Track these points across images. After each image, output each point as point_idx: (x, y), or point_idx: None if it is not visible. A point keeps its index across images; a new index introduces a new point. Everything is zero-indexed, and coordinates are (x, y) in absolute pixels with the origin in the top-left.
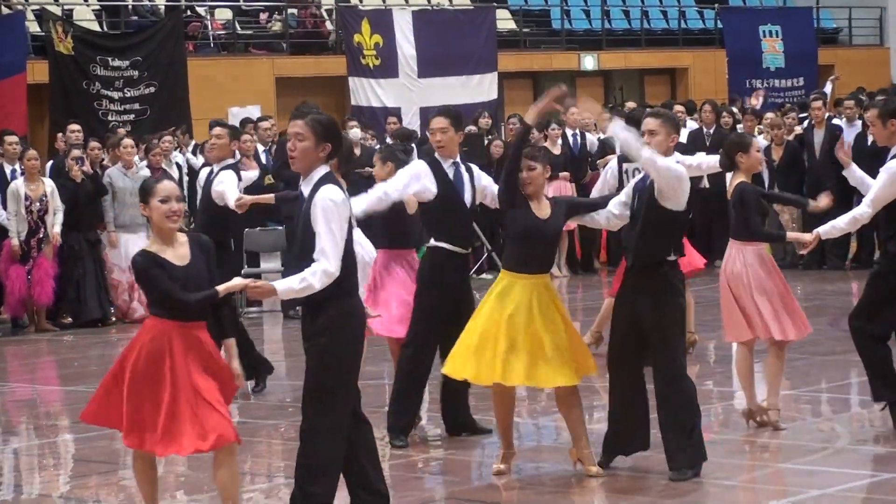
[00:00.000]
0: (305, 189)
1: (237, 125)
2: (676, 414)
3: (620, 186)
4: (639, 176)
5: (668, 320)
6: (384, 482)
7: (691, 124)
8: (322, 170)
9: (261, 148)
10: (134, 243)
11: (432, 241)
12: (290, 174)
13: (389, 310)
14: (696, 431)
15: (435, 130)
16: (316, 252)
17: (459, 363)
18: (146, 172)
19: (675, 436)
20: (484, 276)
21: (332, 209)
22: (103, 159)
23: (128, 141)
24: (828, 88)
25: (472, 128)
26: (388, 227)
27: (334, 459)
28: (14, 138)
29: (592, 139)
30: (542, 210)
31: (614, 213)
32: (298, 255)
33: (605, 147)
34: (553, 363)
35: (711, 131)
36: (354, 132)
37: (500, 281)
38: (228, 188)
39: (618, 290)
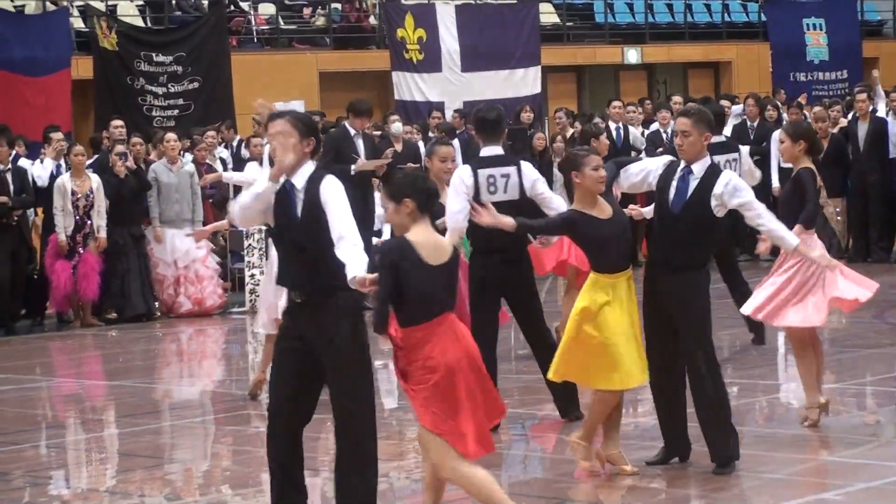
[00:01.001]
0: (298, 182)
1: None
2: (715, 408)
3: None
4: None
5: (700, 319)
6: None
7: (736, 110)
8: (311, 165)
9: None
10: (179, 238)
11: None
12: (337, 170)
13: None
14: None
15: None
16: (343, 234)
17: (634, 372)
18: (191, 168)
19: (714, 431)
20: None
21: (343, 193)
22: (148, 154)
23: (171, 136)
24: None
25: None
26: None
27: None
28: (59, 135)
29: (636, 133)
30: (605, 210)
31: (633, 173)
32: (302, 245)
33: (653, 142)
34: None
35: (755, 124)
36: (396, 126)
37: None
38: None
39: (646, 291)
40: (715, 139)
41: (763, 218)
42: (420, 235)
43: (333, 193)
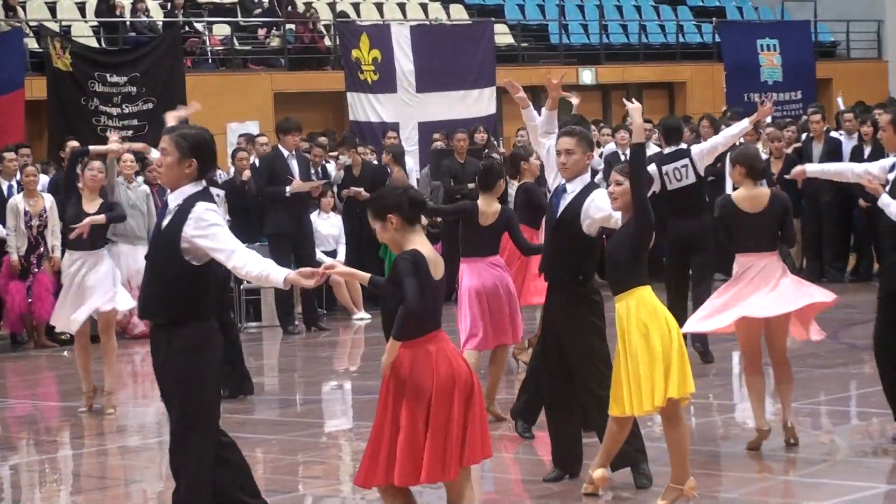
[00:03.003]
0: (172, 202)
1: (235, 141)
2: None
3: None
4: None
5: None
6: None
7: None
8: (193, 186)
9: (258, 163)
10: (132, 256)
11: None
12: (272, 192)
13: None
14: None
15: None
16: (235, 246)
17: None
18: (146, 188)
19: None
20: None
21: (216, 214)
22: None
23: (128, 156)
24: (840, 104)
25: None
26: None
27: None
28: (12, 154)
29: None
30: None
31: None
32: (154, 264)
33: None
34: None
35: None
36: (343, 158)
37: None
38: None
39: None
40: (667, 150)
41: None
42: (426, 248)
43: (208, 215)
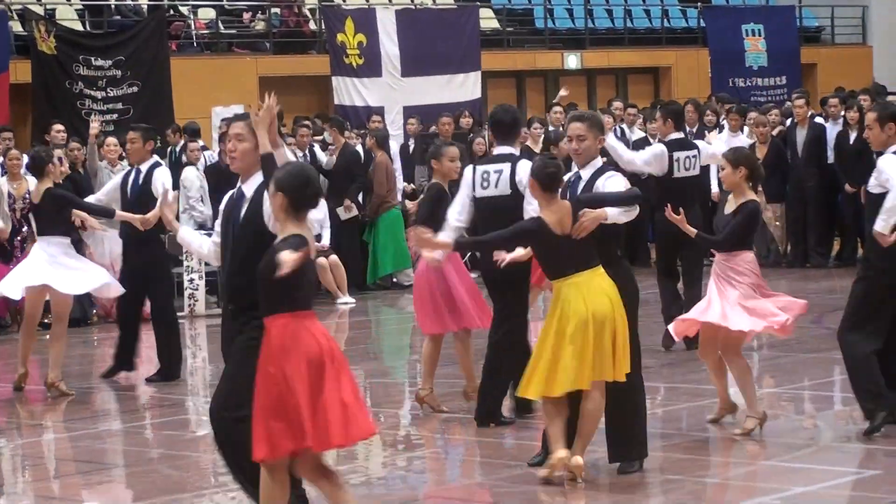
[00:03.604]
0: (248, 190)
1: (220, 124)
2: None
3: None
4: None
5: None
6: None
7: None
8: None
9: None
10: (116, 241)
11: None
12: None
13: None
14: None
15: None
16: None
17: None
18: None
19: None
20: None
21: None
22: (85, 159)
23: (111, 140)
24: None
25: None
26: None
27: None
28: None
29: None
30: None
31: None
32: (243, 257)
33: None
34: None
35: (694, 130)
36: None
37: None
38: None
39: None
40: (674, 136)
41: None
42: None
43: None
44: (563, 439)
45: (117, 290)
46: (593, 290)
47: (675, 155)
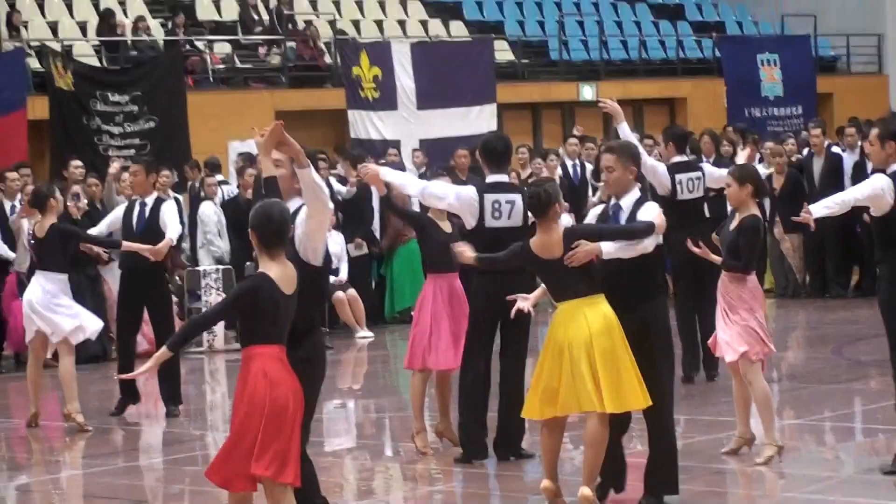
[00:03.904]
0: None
1: (238, 159)
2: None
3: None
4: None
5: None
6: None
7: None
8: (300, 200)
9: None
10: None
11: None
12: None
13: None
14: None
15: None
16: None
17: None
18: None
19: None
20: None
21: None
22: (102, 196)
23: (127, 175)
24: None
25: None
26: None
27: None
28: (14, 174)
29: (592, 169)
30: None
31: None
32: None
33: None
34: None
35: (711, 161)
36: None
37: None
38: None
39: None
40: (677, 159)
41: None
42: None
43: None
44: (551, 469)
45: (91, 333)
46: (577, 317)
47: (678, 177)
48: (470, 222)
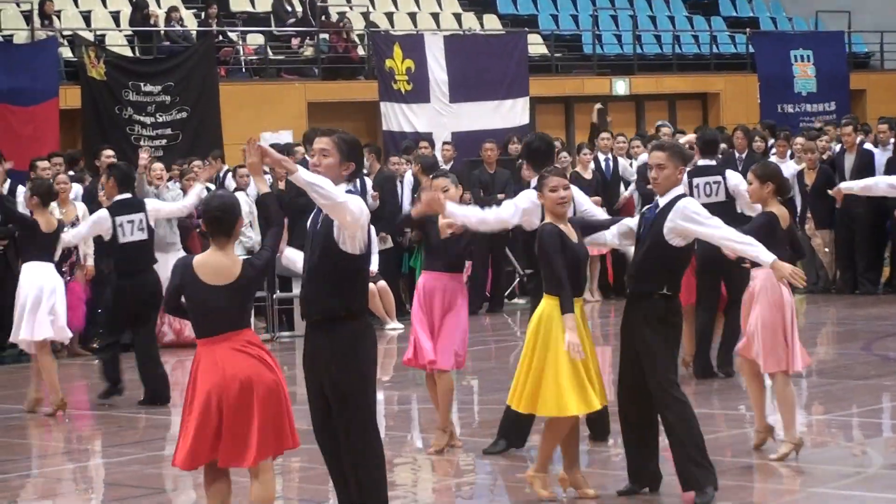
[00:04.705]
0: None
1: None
2: (677, 437)
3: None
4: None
5: (654, 348)
6: None
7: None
8: (345, 187)
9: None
10: (165, 263)
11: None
12: (304, 202)
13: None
14: (697, 452)
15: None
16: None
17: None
18: (176, 194)
19: (681, 458)
20: (516, 300)
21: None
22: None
23: (158, 165)
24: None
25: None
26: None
27: None
28: (46, 164)
29: (624, 163)
30: (571, 233)
31: (622, 232)
32: (317, 262)
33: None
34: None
35: (744, 156)
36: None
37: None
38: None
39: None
40: (701, 162)
41: (729, 236)
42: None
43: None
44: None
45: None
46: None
47: (695, 181)
48: (535, 224)
